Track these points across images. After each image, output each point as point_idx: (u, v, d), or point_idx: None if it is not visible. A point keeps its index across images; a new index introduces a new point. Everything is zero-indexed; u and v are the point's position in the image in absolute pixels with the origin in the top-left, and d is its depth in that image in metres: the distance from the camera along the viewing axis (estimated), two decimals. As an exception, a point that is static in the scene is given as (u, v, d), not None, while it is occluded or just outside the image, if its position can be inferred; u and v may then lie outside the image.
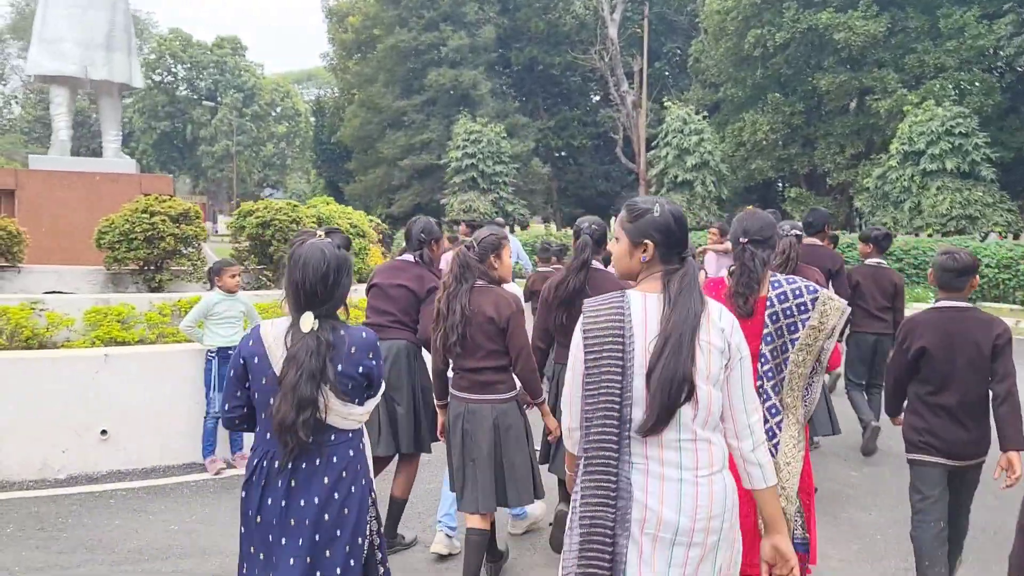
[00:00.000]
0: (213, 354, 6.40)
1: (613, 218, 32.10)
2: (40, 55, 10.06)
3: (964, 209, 23.60)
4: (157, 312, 6.92)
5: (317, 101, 57.95)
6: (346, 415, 2.59)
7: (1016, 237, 25.77)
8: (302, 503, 2.53)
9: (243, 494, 2.63)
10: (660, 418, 2.17)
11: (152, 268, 7.62)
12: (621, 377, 2.22)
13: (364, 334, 2.65)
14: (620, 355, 2.23)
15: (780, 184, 32.75)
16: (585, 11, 37.71)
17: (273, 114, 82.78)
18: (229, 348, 6.42)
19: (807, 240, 6.84)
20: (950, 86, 25.93)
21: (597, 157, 39.35)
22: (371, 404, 2.71)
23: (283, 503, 2.54)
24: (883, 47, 27.10)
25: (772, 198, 33.35)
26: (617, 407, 2.22)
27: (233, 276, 6.47)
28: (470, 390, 3.89)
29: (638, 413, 2.20)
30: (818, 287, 3.38)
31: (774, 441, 3.37)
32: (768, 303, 3.30)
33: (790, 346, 3.31)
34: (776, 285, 3.34)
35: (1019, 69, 25.98)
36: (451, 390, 4.01)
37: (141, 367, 6.29)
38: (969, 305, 3.86)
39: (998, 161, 24.63)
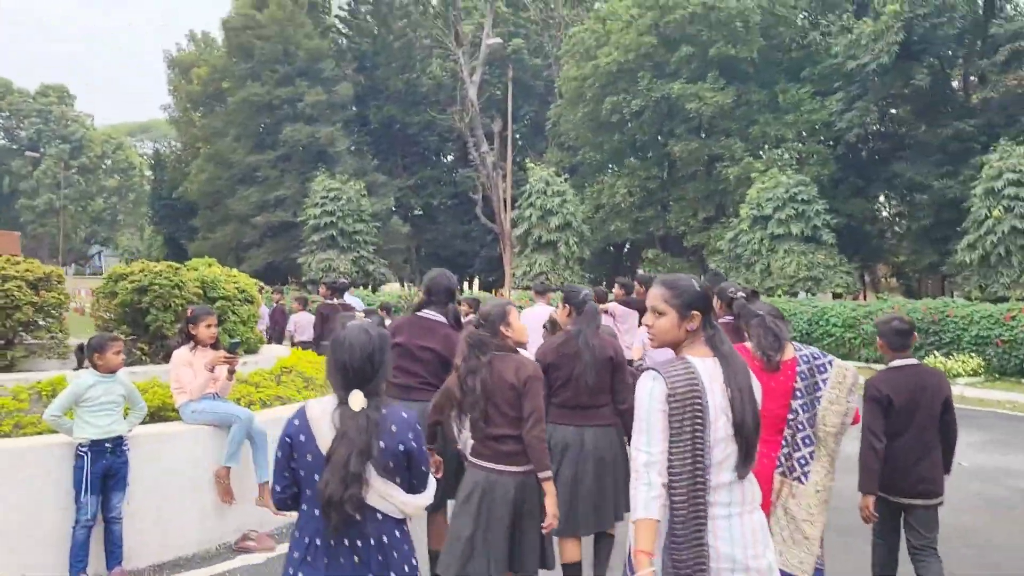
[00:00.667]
0: (85, 449, 5.32)
1: (465, 279, 31.41)
2: None
3: (809, 271, 25.03)
4: (11, 397, 5.75)
5: (156, 154, 54.83)
6: (385, 495, 2.65)
7: (855, 298, 27.56)
8: None
9: (290, 571, 2.67)
10: (752, 457, 2.59)
11: (5, 344, 6.40)
12: (703, 431, 2.54)
13: (405, 414, 2.73)
14: (701, 415, 2.54)
15: (637, 246, 33.73)
16: (442, 73, 37.94)
17: (103, 167, 77.81)
18: (106, 440, 5.37)
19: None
20: (788, 156, 27.71)
21: (456, 217, 39.25)
22: (420, 500, 2.76)
23: None
24: (730, 118, 28.68)
25: (631, 259, 34.29)
26: (703, 460, 2.53)
27: (118, 353, 5.46)
28: (493, 459, 3.83)
29: (716, 461, 2.56)
30: (826, 352, 3.97)
31: (805, 469, 3.84)
32: (797, 364, 3.83)
33: (817, 403, 3.83)
34: (799, 348, 3.92)
35: (850, 142, 28.16)
36: (471, 458, 3.94)
37: (-6, 468, 5.15)
38: (918, 361, 4.32)
39: (835, 226, 26.41)
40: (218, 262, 8.67)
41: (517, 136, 38.66)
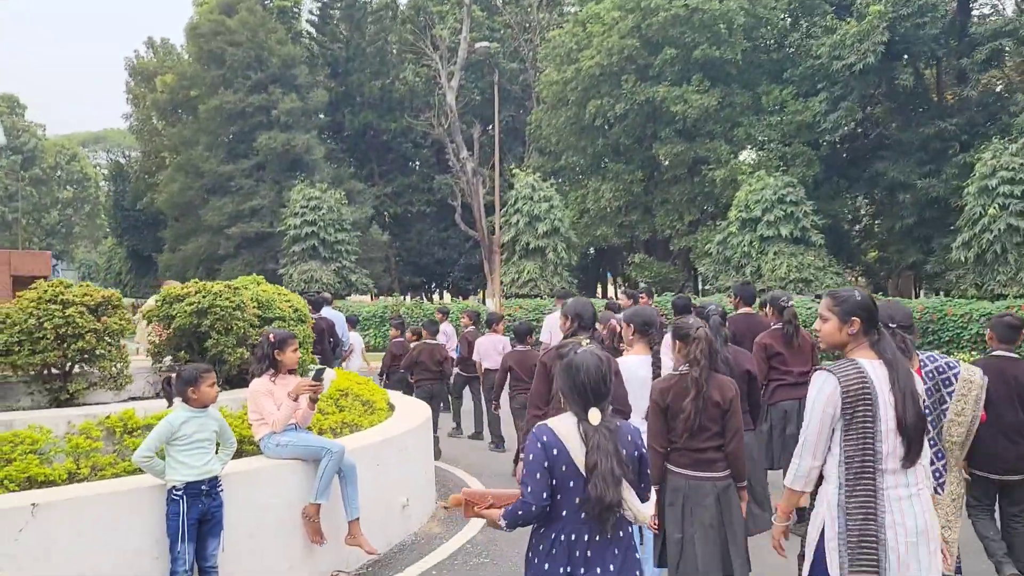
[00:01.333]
0: (180, 492, 4.80)
1: (438, 286, 30.89)
2: None
3: (799, 272, 25.01)
4: (82, 435, 5.19)
5: (116, 165, 53.29)
6: (627, 499, 3.02)
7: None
8: (598, 571, 2.99)
9: (536, 560, 3.05)
10: (917, 452, 3.09)
11: (59, 374, 5.80)
12: (873, 424, 3.07)
13: (632, 426, 3.18)
14: (871, 408, 3.08)
15: (623, 250, 33.53)
16: (416, 78, 37.38)
17: (57, 178, 75.53)
18: (202, 482, 4.86)
19: (744, 310, 7.69)
20: (771, 157, 27.77)
21: (433, 224, 38.70)
22: (648, 508, 3.19)
23: (582, 571, 2.99)
24: (714, 120, 28.64)
25: (617, 264, 34.09)
26: (872, 446, 3.07)
27: (212, 385, 4.96)
28: (693, 467, 4.09)
29: (886, 450, 3.07)
30: (957, 363, 4.38)
31: (941, 481, 4.25)
32: (922, 375, 4.16)
33: (943, 416, 4.22)
34: (928, 361, 4.37)
35: (833, 143, 28.33)
36: (668, 466, 4.15)
37: (82, 518, 4.60)
38: (1017, 355, 4.99)
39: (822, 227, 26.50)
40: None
41: (489, 142, 38.24)
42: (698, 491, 4.06)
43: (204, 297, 6.52)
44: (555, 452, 2.97)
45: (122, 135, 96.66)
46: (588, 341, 3.81)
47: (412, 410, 8.24)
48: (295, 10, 38.22)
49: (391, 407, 8.08)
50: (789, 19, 29.43)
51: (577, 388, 3.00)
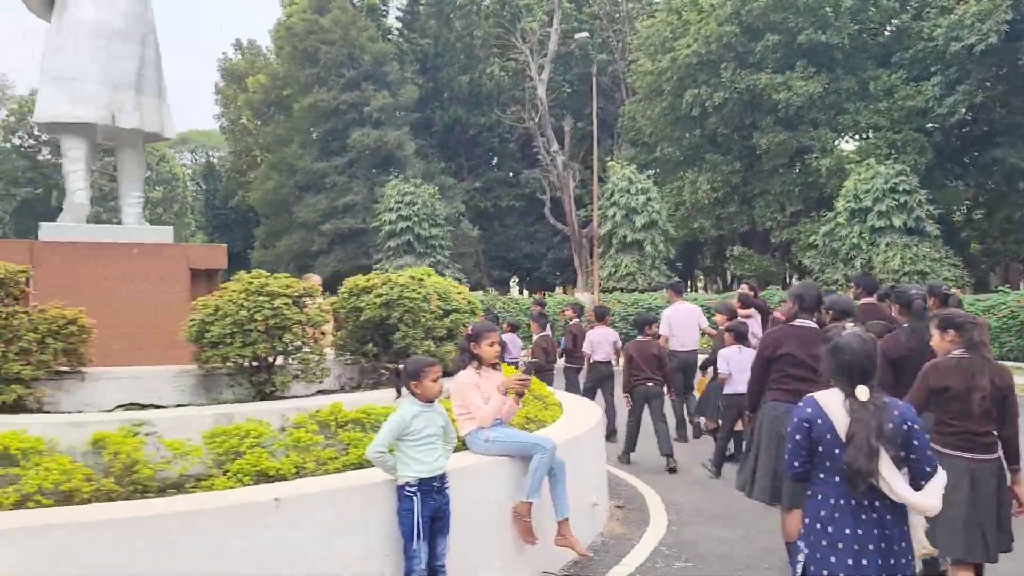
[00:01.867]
0: (414, 489, 4.60)
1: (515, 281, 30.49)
2: (53, 97, 7.80)
3: (914, 265, 23.94)
4: (300, 429, 5.05)
5: (207, 165, 54.71)
6: (890, 480, 3.12)
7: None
8: (875, 531, 3.17)
9: (818, 526, 3.25)
10: None
11: (264, 366, 5.70)
12: None
13: (903, 404, 3.27)
14: None
15: (721, 243, 32.78)
16: (502, 72, 37.23)
17: (147, 178, 78.01)
18: (434, 479, 4.66)
19: (866, 300, 7.45)
20: (885, 145, 26.66)
21: (521, 219, 38.50)
22: (920, 497, 3.15)
23: (859, 531, 3.17)
24: (818, 107, 27.67)
25: (714, 258, 33.32)
26: None
27: (436, 379, 4.74)
28: (972, 450, 4.25)
29: None
30: None
31: None
32: None
33: None
34: None
35: (948, 129, 27.07)
36: (944, 449, 4.25)
37: (319, 513, 4.44)
38: None
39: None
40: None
41: (585, 134, 37.81)
42: (981, 473, 4.21)
43: (392, 289, 6.36)
44: (818, 422, 3.22)
45: (206, 136, 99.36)
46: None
47: (579, 405, 7.99)
48: (383, 8, 38.47)
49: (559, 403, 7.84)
50: (897, 1, 28.19)
51: (843, 368, 3.21)
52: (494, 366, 5.64)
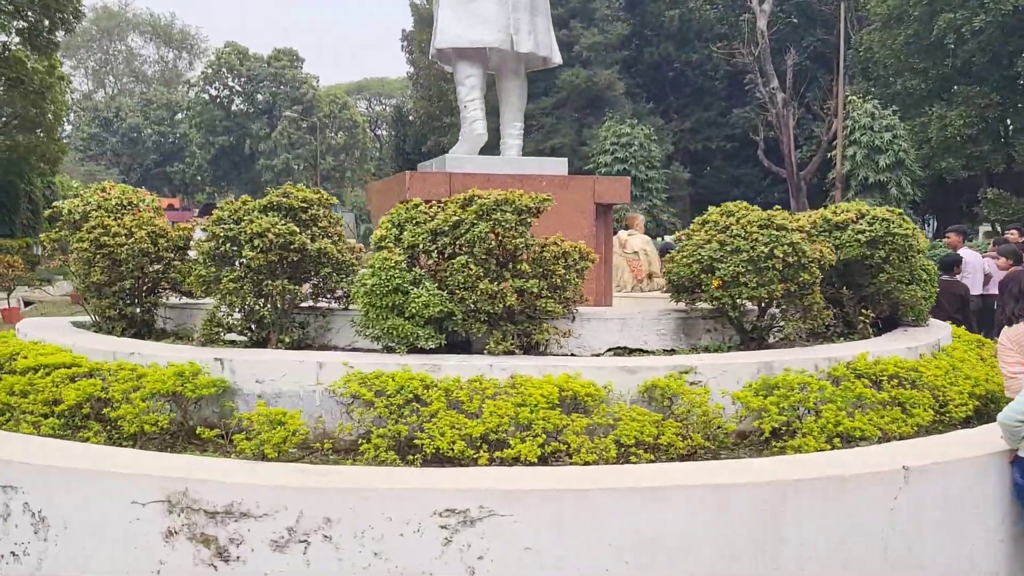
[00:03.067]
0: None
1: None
2: (455, 23, 7.45)
3: None
4: (857, 382, 4.36)
5: (396, 110, 55.75)
6: None
7: None
8: None
9: None
10: None
11: (760, 310, 5.14)
12: None
13: None
14: None
15: (971, 185, 29.84)
16: (708, 6, 35.13)
17: (330, 126, 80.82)
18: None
19: None
20: None
21: (729, 161, 36.67)
22: None
23: None
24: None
25: (964, 201, 30.45)
26: None
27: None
28: None
29: None
30: None
31: None
32: None
33: None
34: None
35: None
36: None
37: (945, 485, 3.75)
38: None
39: None
40: None
41: (798, 71, 35.29)
42: None
43: (878, 224, 5.55)
44: None
45: (380, 84, 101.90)
46: None
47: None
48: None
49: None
50: None
51: None
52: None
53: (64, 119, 33.59)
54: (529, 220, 4.69)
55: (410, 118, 53.87)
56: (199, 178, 79.92)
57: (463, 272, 4.49)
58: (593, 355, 5.14)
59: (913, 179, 25.74)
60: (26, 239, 30.90)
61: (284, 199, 4.98)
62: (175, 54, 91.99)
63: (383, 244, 4.65)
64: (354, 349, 5.23)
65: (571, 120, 32.89)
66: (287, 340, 4.93)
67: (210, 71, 76.54)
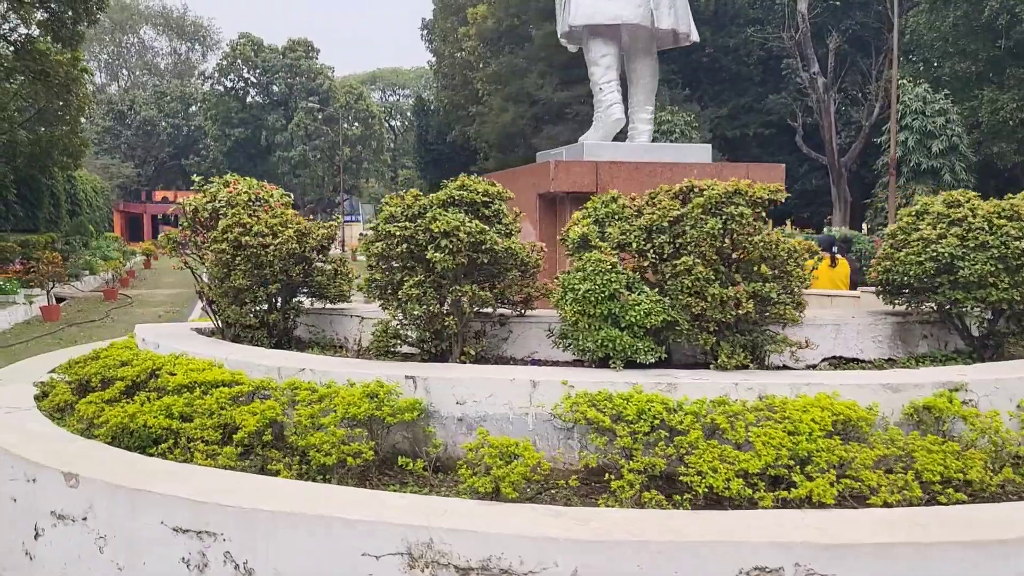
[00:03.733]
0: None
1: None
2: None
3: None
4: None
5: (419, 100, 55.12)
6: None
7: None
8: None
9: None
10: None
11: (998, 313, 4.53)
12: None
13: None
14: None
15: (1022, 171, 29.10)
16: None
17: (347, 117, 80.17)
18: None
19: None
20: None
21: (766, 147, 35.94)
22: None
23: None
24: None
25: (1015, 188, 29.64)
26: None
27: None
28: None
29: None
30: None
31: None
32: None
33: None
34: None
35: None
36: None
37: None
38: None
39: None
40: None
41: (836, 54, 34.49)
42: None
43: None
44: None
45: (394, 74, 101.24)
46: None
47: None
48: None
49: None
50: None
51: None
52: None
53: (86, 111, 33.05)
54: (763, 214, 4.12)
55: (431, 108, 53.26)
56: (215, 171, 78.69)
57: (689, 275, 3.91)
58: (808, 367, 4.55)
59: (967, 165, 25.01)
60: (50, 234, 30.47)
61: (464, 193, 4.40)
62: (188, 46, 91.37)
63: (592, 243, 4.06)
64: (534, 362, 4.67)
65: (605, 108, 32.20)
66: (472, 353, 4.36)
67: (225, 63, 75.95)
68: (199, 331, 5.78)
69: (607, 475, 3.41)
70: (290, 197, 5.68)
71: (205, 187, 5.52)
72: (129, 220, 64.41)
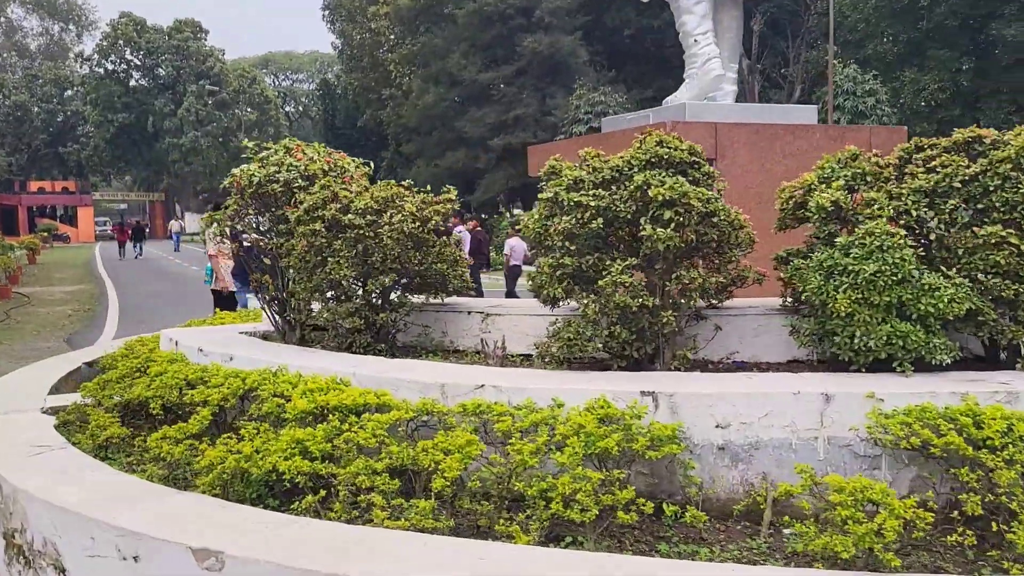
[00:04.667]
0: None
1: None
2: None
3: None
4: None
5: (323, 83, 52.86)
6: None
7: None
8: None
9: None
10: None
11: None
12: None
13: None
14: None
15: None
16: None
17: (241, 102, 76.38)
18: None
19: None
20: None
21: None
22: None
23: None
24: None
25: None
26: None
27: None
28: None
29: None
30: None
31: None
32: None
33: None
34: None
35: None
36: None
37: None
38: None
39: None
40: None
41: (758, 36, 34.76)
42: None
43: None
44: None
45: (287, 58, 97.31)
46: None
47: None
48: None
49: None
50: None
51: None
52: None
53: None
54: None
55: (338, 92, 51.18)
56: (96, 159, 74.18)
57: (998, 249, 3.06)
58: None
59: (896, 145, 25.45)
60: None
61: (665, 150, 3.40)
62: (61, 26, 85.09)
63: (873, 212, 3.15)
64: (739, 364, 3.72)
65: (533, 89, 31.38)
66: (689, 357, 3.38)
67: (105, 43, 70.97)
68: (252, 335, 4.55)
69: (952, 516, 2.52)
70: (369, 167, 4.53)
71: (262, 155, 4.30)
72: (3, 213, 59.29)
